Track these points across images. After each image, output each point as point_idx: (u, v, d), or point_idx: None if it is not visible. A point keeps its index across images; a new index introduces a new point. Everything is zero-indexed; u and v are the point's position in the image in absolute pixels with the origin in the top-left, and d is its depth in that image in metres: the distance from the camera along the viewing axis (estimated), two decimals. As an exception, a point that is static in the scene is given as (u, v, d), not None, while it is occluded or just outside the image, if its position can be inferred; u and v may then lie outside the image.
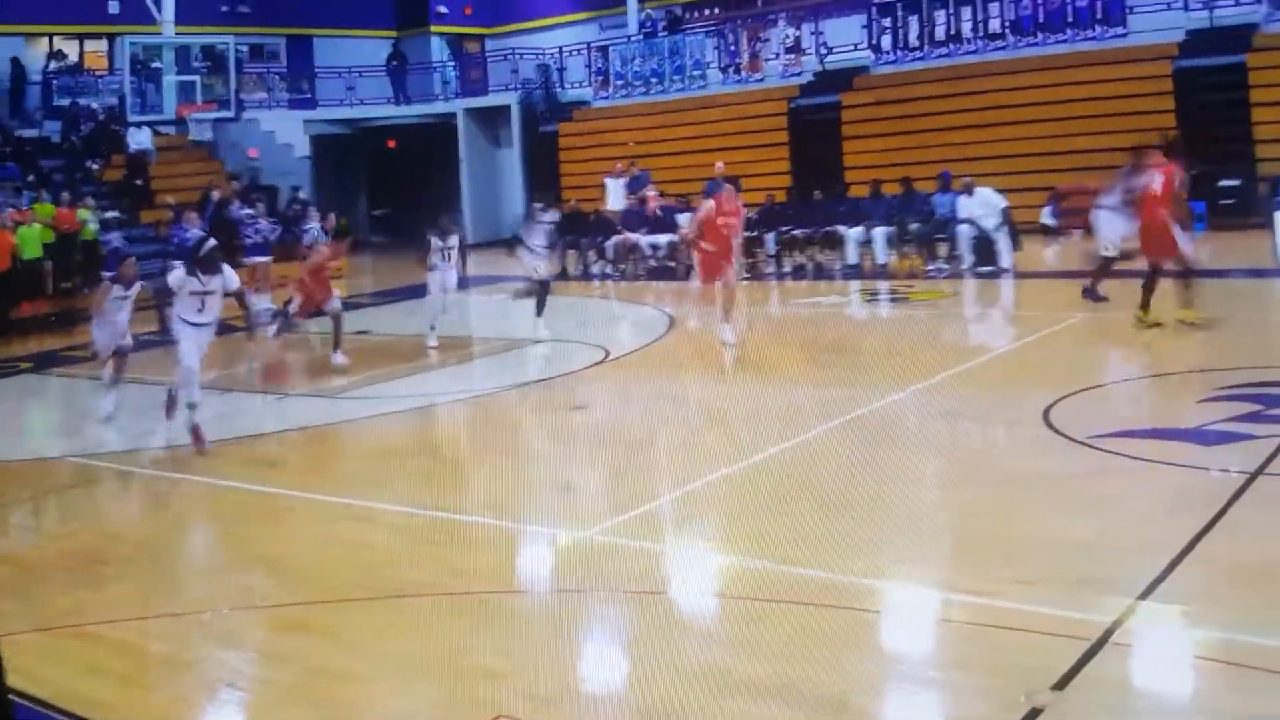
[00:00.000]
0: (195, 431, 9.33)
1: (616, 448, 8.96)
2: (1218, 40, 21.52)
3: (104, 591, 6.44)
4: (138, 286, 11.00)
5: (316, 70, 31.50)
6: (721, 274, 12.66)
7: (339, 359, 12.74)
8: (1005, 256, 17.19)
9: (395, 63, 31.73)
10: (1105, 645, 4.80)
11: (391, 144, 31.26)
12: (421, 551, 6.76)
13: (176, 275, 9.45)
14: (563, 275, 20.95)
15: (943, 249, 17.99)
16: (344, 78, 30.98)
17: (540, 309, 14.15)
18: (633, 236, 20.57)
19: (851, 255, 18.67)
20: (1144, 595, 5.25)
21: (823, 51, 26.39)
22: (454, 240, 14.26)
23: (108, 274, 12.52)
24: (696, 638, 5.39)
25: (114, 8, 28.06)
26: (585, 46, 30.40)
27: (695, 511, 6.94)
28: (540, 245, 14.36)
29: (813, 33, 26.67)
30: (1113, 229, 12.69)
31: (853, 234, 18.69)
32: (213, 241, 9.87)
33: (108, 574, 6.85)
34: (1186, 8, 22.21)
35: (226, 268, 9.60)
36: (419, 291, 14.34)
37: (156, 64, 27.26)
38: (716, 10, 29.46)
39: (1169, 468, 7.29)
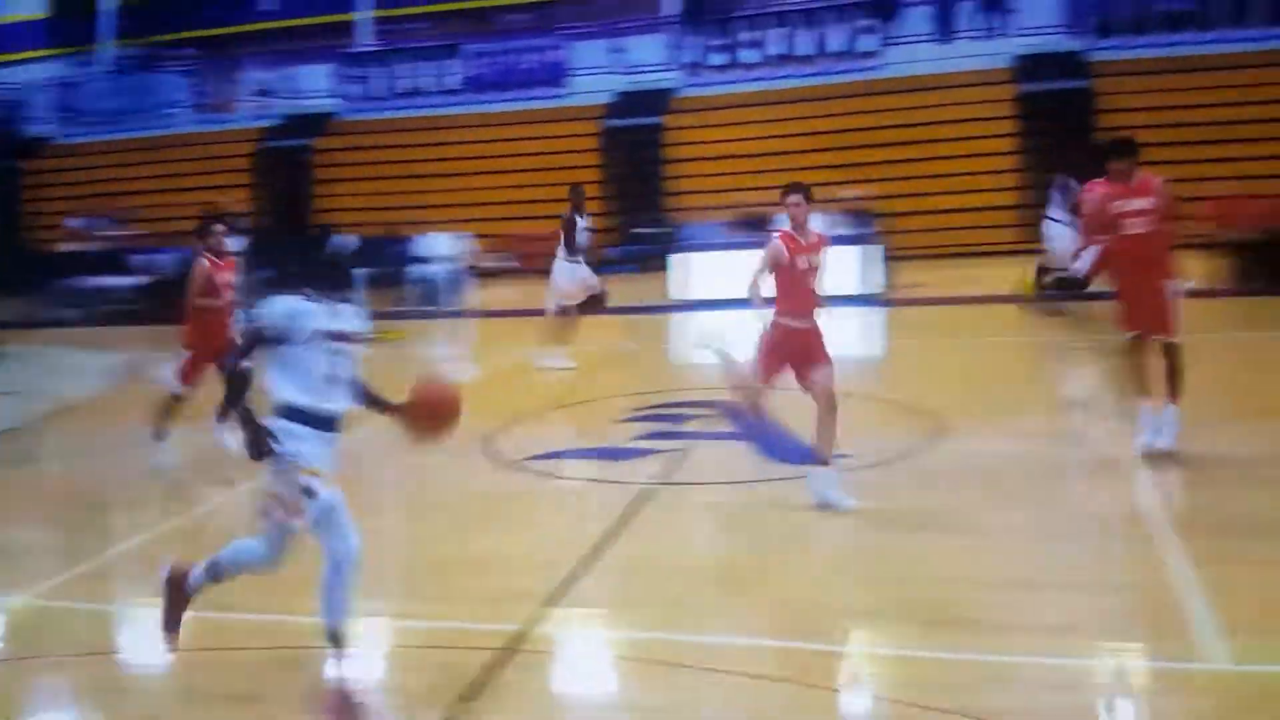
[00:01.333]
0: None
1: (61, 504, 8.22)
2: (642, 102, 23.52)
3: None
4: None
5: None
6: (801, 368, 6.82)
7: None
8: (459, 298, 17.79)
9: None
10: (517, 653, 5.01)
11: None
12: None
13: (292, 306, 4.61)
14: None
15: (404, 291, 18.31)
16: None
17: None
18: (93, 280, 19.20)
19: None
20: (555, 602, 5.58)
21: (292, 96, 26.03)
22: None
23: None
24: (131, 695, 5.10)
25: None
26: (53, 81, 27.99)
27: (140, 567, 6.53)
28: None
29: (283, 77, 26.23)
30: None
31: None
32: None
33: None
34: (617, 72, 24.08)
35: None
36: None
37: None
38: (192, 50, 28.18)
39: (588, 483, 7.90)
